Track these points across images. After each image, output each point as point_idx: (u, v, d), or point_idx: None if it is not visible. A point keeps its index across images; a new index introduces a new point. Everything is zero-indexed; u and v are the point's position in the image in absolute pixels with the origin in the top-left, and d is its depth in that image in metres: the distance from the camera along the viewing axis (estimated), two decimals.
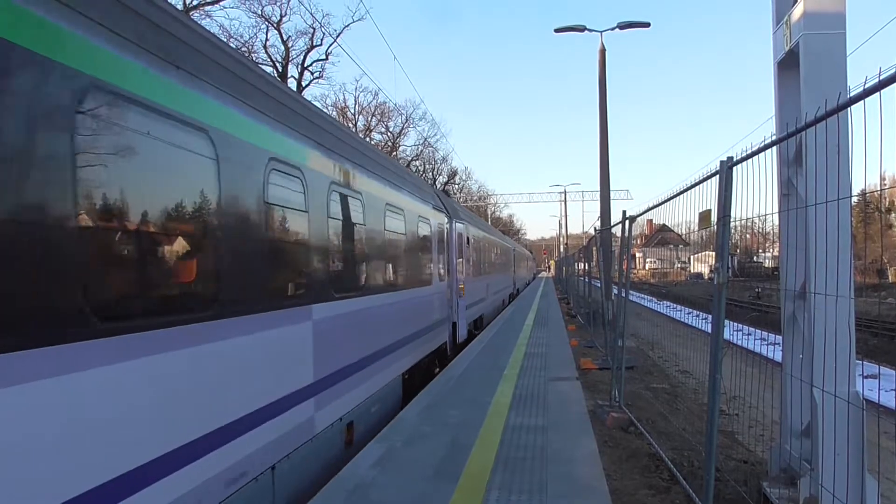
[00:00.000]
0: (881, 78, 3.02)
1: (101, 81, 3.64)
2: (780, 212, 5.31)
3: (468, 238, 18.81)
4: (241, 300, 5.09)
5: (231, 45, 34.69)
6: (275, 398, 5.64)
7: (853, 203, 5.21)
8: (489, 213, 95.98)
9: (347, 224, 7.89)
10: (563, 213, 74.93)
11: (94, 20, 3.65)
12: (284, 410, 5.81)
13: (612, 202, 21.98)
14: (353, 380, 7.82)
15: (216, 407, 4.71)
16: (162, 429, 4.08)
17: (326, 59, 48.65)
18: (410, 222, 11.37)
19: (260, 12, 42.15)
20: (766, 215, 5.00)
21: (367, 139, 68.18)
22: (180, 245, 4.46)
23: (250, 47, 41.65)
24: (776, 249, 6.75)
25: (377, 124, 70.13)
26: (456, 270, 16.19)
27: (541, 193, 73.69)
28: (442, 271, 14.51)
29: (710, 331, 4.98)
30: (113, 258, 3.89)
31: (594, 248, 19.95)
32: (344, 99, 67.57)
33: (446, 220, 15.41)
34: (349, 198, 7.97)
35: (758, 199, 4.52)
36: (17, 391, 3.05)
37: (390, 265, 9.96)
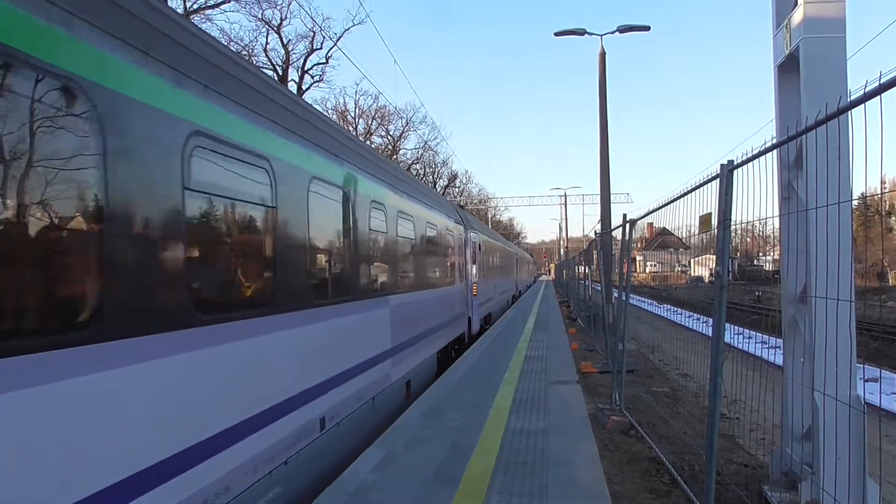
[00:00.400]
0: (881, 81, 3.02)
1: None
2: (780, 215, 5.31)
3: (479, 245, 21.12)
4: (361, 291, 8.13)
5: (231, 48, 35.50)
6: (372, 355, 8.53)
7: (853, 206, 5.20)
8: (489, 216, 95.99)
9: (405, 239, 10.82)
10: (564, 217, 74.96)
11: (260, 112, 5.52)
12: (377, 364, 8.69)
13: (612, 205, 21.96)
14: (410, 351, 10.75)
15: (346, 358, 7.48)
16: (319, 366, 6.62)
17: (327, 62, 48.76)
18: (441, 235, 14.42)
19: (260, 16, 42.22)
20: (766, 219, 5.00)
21: (368, 142, 68.32)
22: (338, 260, 7.65)
23: (250, 51, 41.71)
24: (776, 253, 6.75)
25: (377, 128, 70.18)
26: (470, 273, 18.51)
27: (541, 197, 73.89)
28: (461, 274, 17.12)
29: (710, 334, 4.98)
30: (324, 265, 7.15)
31: (594, 252, 19.95)
32: (344, 102, 67.62)
33: (463, 230, 18.00)
34: (406, 220, 10.85)
35: (758, 202, 4.52)
36: (188, 355, 4.30)
37: (432, 269, 13.03)
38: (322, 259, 7.08)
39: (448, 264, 15.23)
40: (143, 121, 3.92)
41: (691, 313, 7.49)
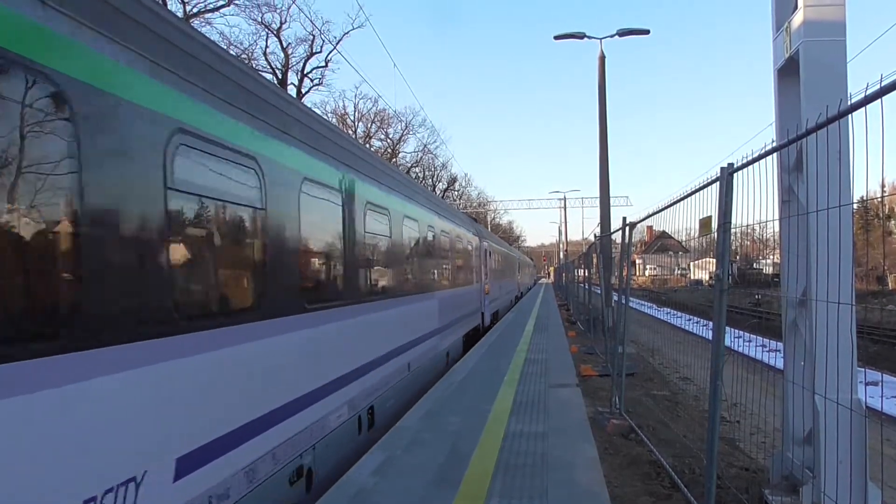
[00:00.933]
0: (882, 85, 3.02)
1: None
2: (780, 218, 5.30)
3: (489, 252, 25.11)
4: (424, 288, 11.86)
5: (231, 52, 35.97)
6: (430, 331, 12.30)
7: (854, 210, 5.20)
8: (489, 219, 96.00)
9: (445, 251, 14.83)
10: (563, 220, 74.87)
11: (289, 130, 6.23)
12: (432, 337, 12.51)
13: (611, 209, 21.99)
14: (448, 332, 14.55)
15: (418, 330, 11.18)
16: (407, 333, 10.34)
17: (326, 66, 48.88)
18: (465, 246, 18.56)
19: (260, 19, 42.29)
20: (766, 222, 5.00)
21: (367, 146, 68.38)
22: (412, 268, 11.24)
23: (250, 54, 41.74)
24: (776, 256, 6.74)
25: (377, 131, 70.29)
26: (483, 276, 22.39)
27: (540, 200, 73.65)
28: (477, 277, 21.13)
29: (710, 337, 4.97)
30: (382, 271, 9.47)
31: (594, 255, 19.95)
32: (343, 106, 67.69)
33: (478, 241, 21.93)
34: (445, 236, 14.70)
35: (758, 205, 4.52)
36: (272, 339, 5.42)
37: (460, 273, 17.29)
38: (407, 268, 10.82)
39: (470, 269, 19.49)
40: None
41: (691, 316, 7.49)
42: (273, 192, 5.49)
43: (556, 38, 21.97)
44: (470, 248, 19.44)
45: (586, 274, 23.71)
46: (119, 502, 3.55)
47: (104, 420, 3.49)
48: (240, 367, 4.87)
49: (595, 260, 19.49)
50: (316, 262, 6.87)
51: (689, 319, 7.74)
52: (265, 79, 6.54)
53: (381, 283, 9.21)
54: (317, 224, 6.62)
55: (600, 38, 21.33)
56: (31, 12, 3.16)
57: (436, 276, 13.49)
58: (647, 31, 21.47)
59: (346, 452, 7.26)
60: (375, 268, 8.95)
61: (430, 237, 12.78)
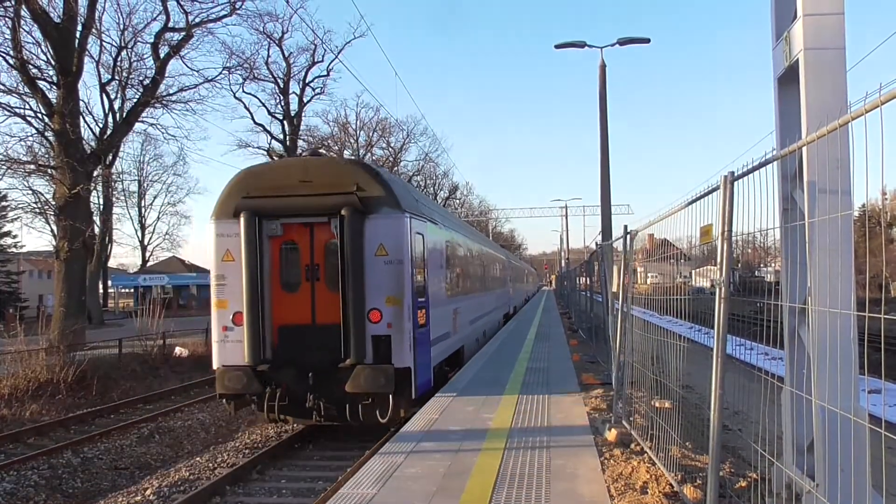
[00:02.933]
0: (881, 94, 3.03)
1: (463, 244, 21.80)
2: (781, 226, 5.31)
3: (512, 268, 40.59)
4: (497, 285, 30.04)
5: (232, 61, 38.75)
6: (499, 305, 29.62)
7: (854, 218, 5.21)
8: (490, 227, 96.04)
9: (499, 269, 30.80)
10: (565, 228, 74.99)
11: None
12: (494, 311, 27.14)
13: (613, 217, 21.98)
14: (500, 309, 30.06)
15: (495, 305, 27.93)
16: (501, 303, 30.67)
17: (328, 75, 49.05)
18: (503, 266, 32.94)
19: (262, 29, 42.42)
20: (767, 230, 5.00)
21: (369, 154, 68.51)
22: (493, 278, 28.15)
23: (252, 63, 41.83)
24: (777, 264, 6.74)
25: (378, 139, 70.46)
26: (508, 283, 36.54)
27: (542, 208, 74.01)
28: (506, 283, 35.02)
29: (712, 345, 4.97)
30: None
31: (595, 263, 19.94)
32: (346, 114, 67.77)
33: (506, 259, 36.87)
34: (494, 261, 28.40)
35: (759, 213, 4.53)
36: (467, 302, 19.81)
37: (504, 281, 33.36)
38: (491, 279, 25.99)
39: (503, 279, 33.36)
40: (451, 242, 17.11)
41: (693, 324, 7.48)
42: (458, 250, 16.75)
43: (557, 46, 22.04)
44: (501, 266, 32.64)
45: (587, 282, 23.72)
46: (450, 336, 14.98)
47: (450, 314, 15.18)
48: (465, 310, 17.41)
49: (597, 268, 19.48)
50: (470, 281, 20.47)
51: (692, 327, 7.72)
52: (462, 220, 28.71)
53: (481, 283, 22.57)
54: (471, 259, 20.01)
55: (601, 48, 21.37)
56: (439, 220, 15.08)
57: (491, 283, 26.58)
58: (647, 41, 21.52)
59: (476, 346, 19.51)
60: (479, 277, 21.74)
61: (487, 262, 25.20)
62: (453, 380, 13.34)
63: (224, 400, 12.03)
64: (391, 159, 72.42)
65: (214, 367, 11.71)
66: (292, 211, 11.35)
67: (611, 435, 8.46)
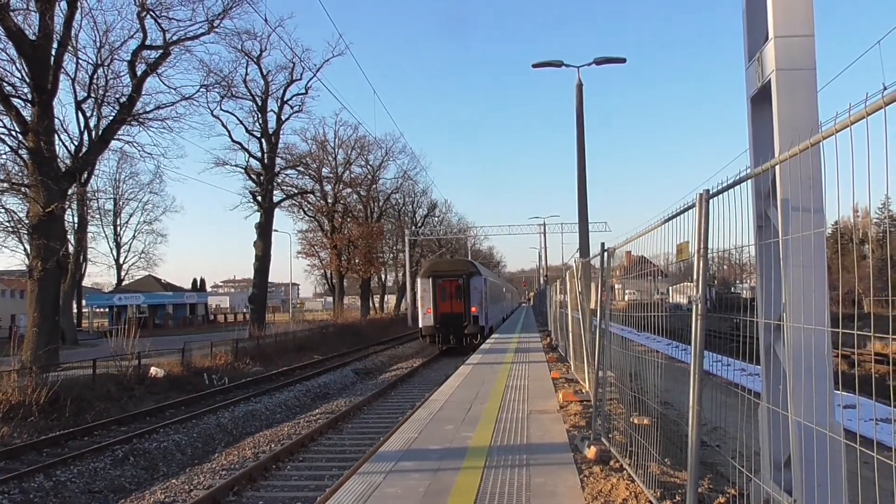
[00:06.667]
0: (851, 114, 3.10)
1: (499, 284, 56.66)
2: (756, 244, 5.37)
3: (507, 290, 69.25)
4: (510, 302, 75.05)
5: (210, 79, 39.72)
6: (503, 310, 56.67)
7: (827, 235, 5.29)
8: (469, 245, 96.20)
9: (502, 292, 58.70)
10: (543, 245, 75.23)
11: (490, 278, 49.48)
12: (503, 311, 56.37)
13: (590, 234, 22.14)
14: (503, 311, 57.11)
15: (504, 310, 58.64)
16: (503, 309, 60.51)
17: (306, 93, 49.11)
18: (504, 290, 62.81)
19: (240, 47, 42.40)
20: (742, 247, 5.06)
21: (347, 172, 68.34)
22: (502, 298, 61.15)
23: (230, 82, 41.70)
24: (753, 280, 6.81)
25: (357, 157, 70.43)
26: (508, 300, 67.34)
27: (520, 226, 74.05)
28: (507, 299, 67.07)
29: (689, 361, 5.00)
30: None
31: (576, 280, 20.01)
32: (324, 132, 67.67)
33: (512, 287, 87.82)
34: (504, 288, 63.67)
35: (734, 230, 4.59)
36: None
37: (509, 299, 72.04)
38: (507, 300, 64.79)
39: (511, 297, 76.44)
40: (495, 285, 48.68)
41: (671, 341, 7.55)
42: (493, 288, 43.55)
43: (535, 66, 22.27)
44: (506, 290, 65.85)
45: (566, 299, 23.78)
46: (492, 318, 41.82)
47: (493, 309, 42.33)
48: (494, 308, 43.83)
49: (570, 285, 19.56)
50: (497, 297, 49.03)
51: (669, 343, 7.80)
52: (494, 273, 68.91)
53: (500, 299, 51.26)
54: (495, 290, 46.41)
55: (577, 67, 21.63)
56: (488, 275, 42.99)
57: (500, 299, 49.78)
58: (623, 60, 21.82)
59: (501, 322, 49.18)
60: (499, 298, 50.12)
61: (504, 290, 59.37)
62: (431, 399, 13.31)
63: (425, 338, 36.11)
64: (370, 177, 72.37)
65: (420, 326, 36.16)
66: (446, 275, 35.85)
67: (590, 452, 8.45)
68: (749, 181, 4.70)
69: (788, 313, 4.61)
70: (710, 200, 4.93)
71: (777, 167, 4.39)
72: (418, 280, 37.89)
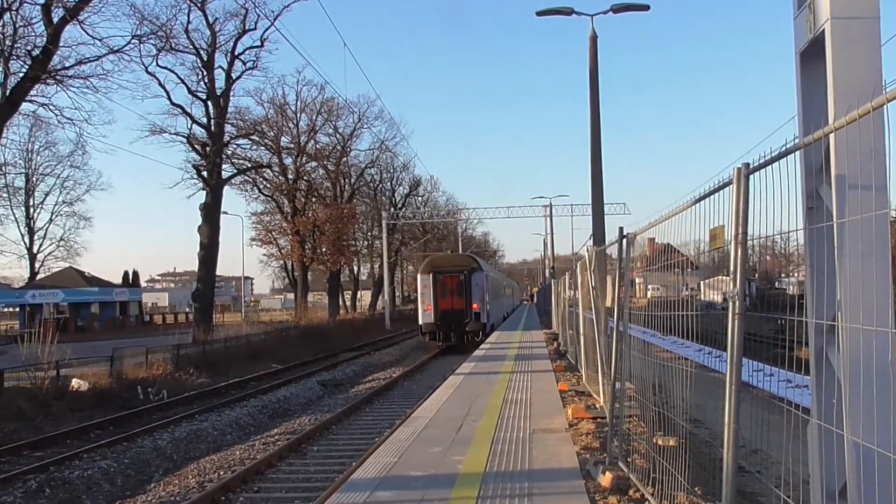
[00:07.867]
0: None
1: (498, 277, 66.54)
2: (805, 229, 5.35)
3: (508, 286, 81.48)
4: (512, 298, 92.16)
5: (144, 28, 39.36)
6: (506, 306, 70.97)
7: (892, 218, 5.30)
8: (460, 231, 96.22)
9: (510, 291, 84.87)
10: (549, 230, 75.07)
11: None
12: (506, 307, 70.60)
13: (606, 218, 22.08)
14: (505, 307, 68.88)
15: (506, 306, 71.86)
16: (509, 305, 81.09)
17: (262, 46, 48.48)
18: (505, 286, 74.21)
19: None
20: (788, 233, 5.05)
21: (312, 142, 67.98)
22: (505, 294, 76.10)
23: (168, 31, 41.22)
24: (801, 273, 6.84)
25: (324, 124, 69.62)
26: (509, 295, 78.63)
27: (522, 207, 73.26)
28: (510, 295, 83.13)
29: (724, 371, 5.01)
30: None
31: (588, 273, 20.04)
32: (284, 94, 66.53)
33: (512, 282, 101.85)
34: (509, 288, 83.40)
35: (779, 213, 4.57)
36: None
37: (513, 295, 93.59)
38: (507, 297, 74.63)
39: (512, 293, 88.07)
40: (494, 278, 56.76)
41: (702, 346, 7.56)
42: (494, 285, 52.52)
43: (539, 13, 22.21)
44: (509, 288, 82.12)
45: (575, 295, 23.84)
46: (493, 315, 49.01)
47: (493, 305, 49.71)
48: (494, 304, 51.23)
49: (581, 279, 19.59)
50: (498, 294, 58.58)
51: (701, 350, 7.82)
52: (494, 269, 76.98)
53: (501, 295, 60.63)
54: (496, 286, 55.94)
55: (591, 15, 21.62)
56: (489, 271, 53.16)
57: (501, 296, 60.34)
58: (646, 7, 21.75)
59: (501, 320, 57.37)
60: (500, 294, 59.32)
61: (504, 286, 70.01)
62: (415, 415, 13.35)
63: (424, 336, 42.03)
64: (339, 148, 71.88)
65: (420, 323, 42.26)
66: (447, 271, 42.30)
67: (605, 479, 8.49)
68: (797, 153, 4.68)
69: (844, 312, 4.61)
70: (751, 176, 4.92)
71: (832, 136, 4.37)
72: (418, 276, 45.04)
